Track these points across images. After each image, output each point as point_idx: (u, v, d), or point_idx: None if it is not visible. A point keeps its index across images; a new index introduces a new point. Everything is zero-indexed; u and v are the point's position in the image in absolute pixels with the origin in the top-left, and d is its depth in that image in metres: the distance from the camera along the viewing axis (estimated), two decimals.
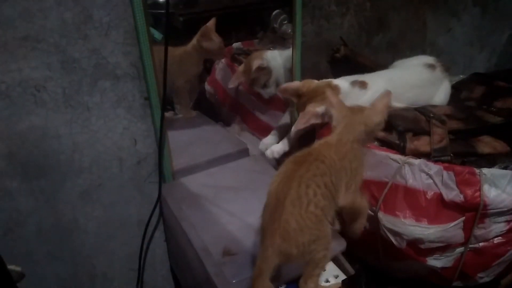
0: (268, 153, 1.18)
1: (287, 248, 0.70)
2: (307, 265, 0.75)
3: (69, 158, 0.97)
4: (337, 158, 0.77)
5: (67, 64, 0.88)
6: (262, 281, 0.71)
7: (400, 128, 1.00)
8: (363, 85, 1.10)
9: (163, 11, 0.93)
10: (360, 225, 0.87)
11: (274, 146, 1.18)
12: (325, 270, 0.78)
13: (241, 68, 1.29)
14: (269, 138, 1.24)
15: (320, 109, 1.03)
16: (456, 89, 1.27)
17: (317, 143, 0.81)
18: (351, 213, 0.86)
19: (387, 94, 0.86)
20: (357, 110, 0.84)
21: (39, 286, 1.06)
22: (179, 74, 1.23)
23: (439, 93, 1.20)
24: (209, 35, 1.21)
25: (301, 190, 0.71)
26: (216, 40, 1.21)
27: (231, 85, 1.32)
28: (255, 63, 1.24)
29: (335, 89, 1.05)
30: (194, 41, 1.22)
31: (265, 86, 1.27)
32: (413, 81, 1.18)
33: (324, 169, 0.75)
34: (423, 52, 1.57)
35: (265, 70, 1.25)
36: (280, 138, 1.21)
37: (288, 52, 1.21)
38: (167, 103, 1.10)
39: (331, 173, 0.75)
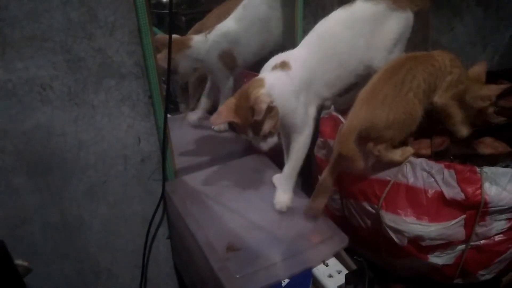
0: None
1: (373, 116, 0.85)
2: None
3: (75, 155, 0.98)
4: (449, 64, 0.91)
5: (73, 63, 0.89)
6: (350, 140, 0.84)
7: None
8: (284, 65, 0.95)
9: (166, 11, 0.94)
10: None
11: None
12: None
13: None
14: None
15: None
16: None
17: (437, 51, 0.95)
18: (437, 114, 0.96)
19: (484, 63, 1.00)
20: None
21: (45, 281, 1.08)
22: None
23: None
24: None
25: (407, 77, 0.84)
26: None
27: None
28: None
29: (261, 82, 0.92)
30: None
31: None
32: None
33: (433, 71, 0.88)
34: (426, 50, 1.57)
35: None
36: None
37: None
38: (170, 102, 1.11)
39: (438, 76, 0.89)
